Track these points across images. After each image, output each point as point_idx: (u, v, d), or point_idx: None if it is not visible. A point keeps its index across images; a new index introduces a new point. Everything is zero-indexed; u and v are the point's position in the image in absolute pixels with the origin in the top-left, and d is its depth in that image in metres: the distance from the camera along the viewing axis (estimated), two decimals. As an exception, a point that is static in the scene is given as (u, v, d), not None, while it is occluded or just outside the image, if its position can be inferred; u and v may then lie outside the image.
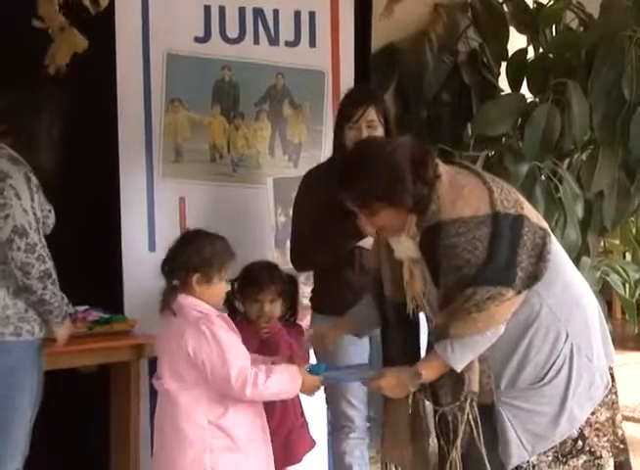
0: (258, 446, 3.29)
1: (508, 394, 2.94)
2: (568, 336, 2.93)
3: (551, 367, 2.92)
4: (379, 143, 3.02)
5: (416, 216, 2.91)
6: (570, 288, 3.01)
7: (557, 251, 3.03)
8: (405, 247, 3.01)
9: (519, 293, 2.84)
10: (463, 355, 2.87)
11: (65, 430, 4.39)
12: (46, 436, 3.65)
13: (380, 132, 3.71)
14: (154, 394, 4.14)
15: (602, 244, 5.17)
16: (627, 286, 5.38)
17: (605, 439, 3.03)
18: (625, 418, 6.39)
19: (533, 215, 2.95)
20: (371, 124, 3.71)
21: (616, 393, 3.08)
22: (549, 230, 2.99)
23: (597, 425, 3.00)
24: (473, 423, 2.93)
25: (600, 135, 4.87)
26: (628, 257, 5.84)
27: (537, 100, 4.97)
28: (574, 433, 2.96)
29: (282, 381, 3.15)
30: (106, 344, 3.99)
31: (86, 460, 4.49)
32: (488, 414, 2.96)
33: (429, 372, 2.91)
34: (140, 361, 4.10)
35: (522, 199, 2.98)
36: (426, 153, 2.94)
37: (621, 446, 3.08)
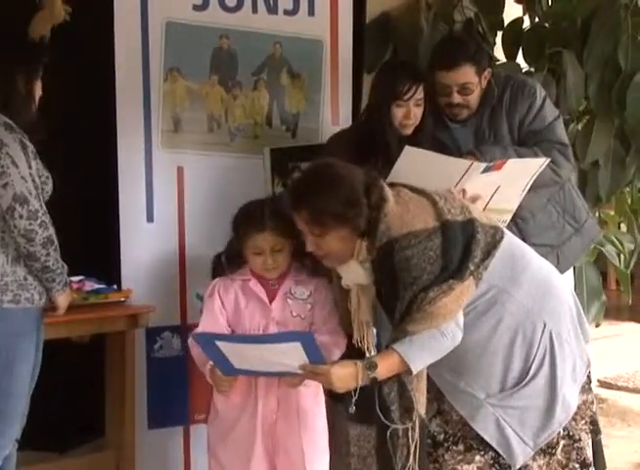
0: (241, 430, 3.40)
1: (498, 397, 2.95)
2: (545, 325, 2.96)
3: (533, 360, 2.94)
4: (336, 166, 3.01)
5: (366, 241, 2.93)
6: (537, 277, 3.04)
7: (516, 244, 3.08)
8: (354, 273, 3.03)
9: (464, 280, 2.86)
10: (420, 353, 2.86)
11: (59, 400, 4.41)
12: (41, 406, 3.61)
13: (421, 110, 3.77)
14: (150, 364, 4.23)
15: (597, 214, 5.16)
16: (622, 257, 5.39)
17: (582, 421, 3.07)
18: (620, 388, 6.53)
19: (483, 217, 2.99)
20: (418, 103, 3.76)
21: (589, 375, 3.11)
22: (501, 227, 3.03)
23: (575, 409, 3.02)
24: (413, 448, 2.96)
25: (595, 105, 4.88)
26: (623, 227, 5.83)
27: (533, 70, 4.96)
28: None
29: (197, 358, 3.33)
30: (101, 313, 3.97)
31: (81, 430, 4.54)
32: None
33: (383, 367, 2.86)
34: (135, 331, 4.09)
35: (467, 203, 3.03)
36: (375, 179, 2.98)
37: (592, 427, 3.11)
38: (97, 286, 4.02)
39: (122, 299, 4.08)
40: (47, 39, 4.00)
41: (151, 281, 4.20)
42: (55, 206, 3.47)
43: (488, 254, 2.90)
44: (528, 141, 3.92)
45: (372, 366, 2.84)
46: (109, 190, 4.15)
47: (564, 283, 3.16)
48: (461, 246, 2.87)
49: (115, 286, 4.09)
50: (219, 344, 3.04)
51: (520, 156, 3.71)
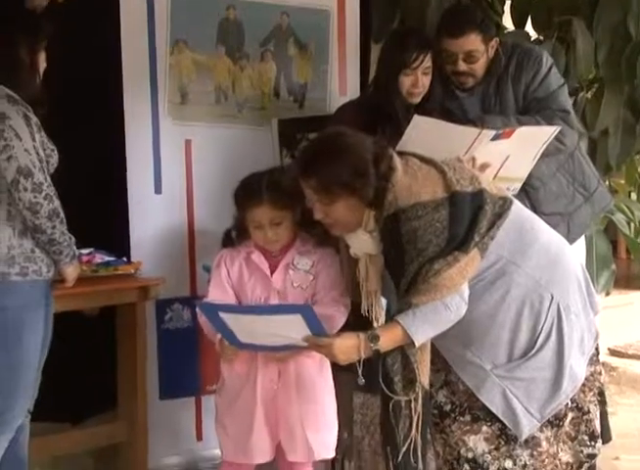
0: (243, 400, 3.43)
1: (505, 368, 2.94)
2: (553, 297, 2.93)
3: (540, 332, 2.92)
4: (345, 134, 2.99)
5: (374, 210, 2.91)
6: (546, 249, 3.01)
7: (525, 216, 3.06)
8: (362, 242, 3.02)
9: (468, 252, 2.84)
10: (423, 325, 2.83)
11: (71, 372, 4.44)
12: (53, 377, 3.64)
13: (429, 79, 3.76)
14: (161, 335, 4.26)
15: (607, 183, 5.14)
16: (632, 225, 5.38)
17: (591, 393, 3.05)
18: (630, 356, 6.54)
19: (492, 188, 2.97)
20: (426, 71, 3.74)
21: (597, 347, 3.09)
22: (510, 198, 3.01)
23: (583, 381, 3.00)
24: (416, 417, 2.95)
25: (605, 73, 4.85)
26: (633, 196, 5.83)
27: (541, 38, 4.93)
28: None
29: (205, 326, 3.35)
30: (111, 286, 3.98)
31: (93, 402, 4.56)
32: None
33: (386, 338, 2.84)
34: (146, 303, 4.10)
35: (477, 173, 3.01)
36: (384, 148, 2.96)
37: (599, 398, 3.09)
38: (107, 258, 4.02)
39: (132, 271, 4.07)
40: (42, 9, 3.97)
41: (160, 253, 4.21)
42: (64, 178, 3.44)
43: (494, 224, 2.88)
44: (532, 109, 3.91)
45: (374, 338, 2.82)
46: (117, 162, 4.14)
47: (573, 256, 3.13)
48: (468, 217, 2.85)
49: (125, 258, 4.09)
50: (222, 315, 3.06)
51: (521, 124, 3.68)
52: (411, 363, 2.90)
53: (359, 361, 2.86)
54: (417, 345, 2.85)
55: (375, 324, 3.12)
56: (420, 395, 2.92)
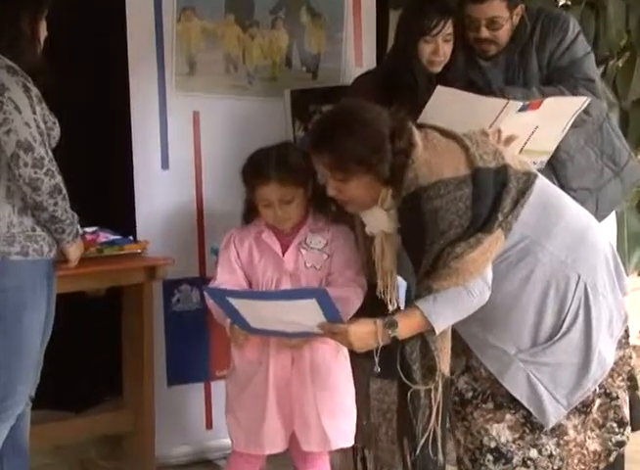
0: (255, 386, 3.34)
1: (530, 353, 2.83)
2: (579, 277, 2.82)
3: (567, 313, 2.81)
4: (361, 107, 2.88)
5: (392, 188, 2.81)
6: (572, 226, 2.89)
7: (551, 193, 2.95)
8: (378, 220, 2.93)
9: (492, 233, 2.74)
10: (445, 312, 2.74)
11: (76, 358, 4.42)
12: (57, 363, 3.60)
13: (451, 46, 3.66)
14: (169, 318, 4.17)
15: (639, 156, 5.01)
16: (666, 201, 5.25)
17: (620, 378, 2.95)
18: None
19: (516, 162, 2.86)
20: (447, 38, 3.65)
21: (626, 329, 2.98)
22: (534, 173, 2.89)
23: (611, 365, 2.89)
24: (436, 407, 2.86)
25: (637, 38, 4.73)
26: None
27: (569, 3, 4.80)
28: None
29: (213, 309, 3.28)
30: (117, 266, 3.89)
31: (98, 388, 4.56)
32: None
33: (405, 325, 2.75)
34: (153, 283, 4.01)
35: (500, 148, 2.90)
36: (403, 122, 2.84)
37: (630, 382, 3.00)
38: (112, 237, 3.93)
39: (139, 250, 3.98)
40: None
41: (167, 231, 4.12)
42: (66, 153, 3.36)
43: (517, 202, 2.77)
44: (555, 78, 3.79)
45: (392, 325, 2.73)
46: (122, 136, 4.03)
47: (602, 234, 3.01)
48: (492, 196, 2.74)
49: (131, 237, 4.00)
50: (231, 300, 2.98)
51: (544, 95, 3.57)
52: (431, 351, 2.80)
53: (376, 349, 2.76)
54: (437, 332, 2.74)
55: (390, 307, 3.03)
56: (440, 383, 2.83)
